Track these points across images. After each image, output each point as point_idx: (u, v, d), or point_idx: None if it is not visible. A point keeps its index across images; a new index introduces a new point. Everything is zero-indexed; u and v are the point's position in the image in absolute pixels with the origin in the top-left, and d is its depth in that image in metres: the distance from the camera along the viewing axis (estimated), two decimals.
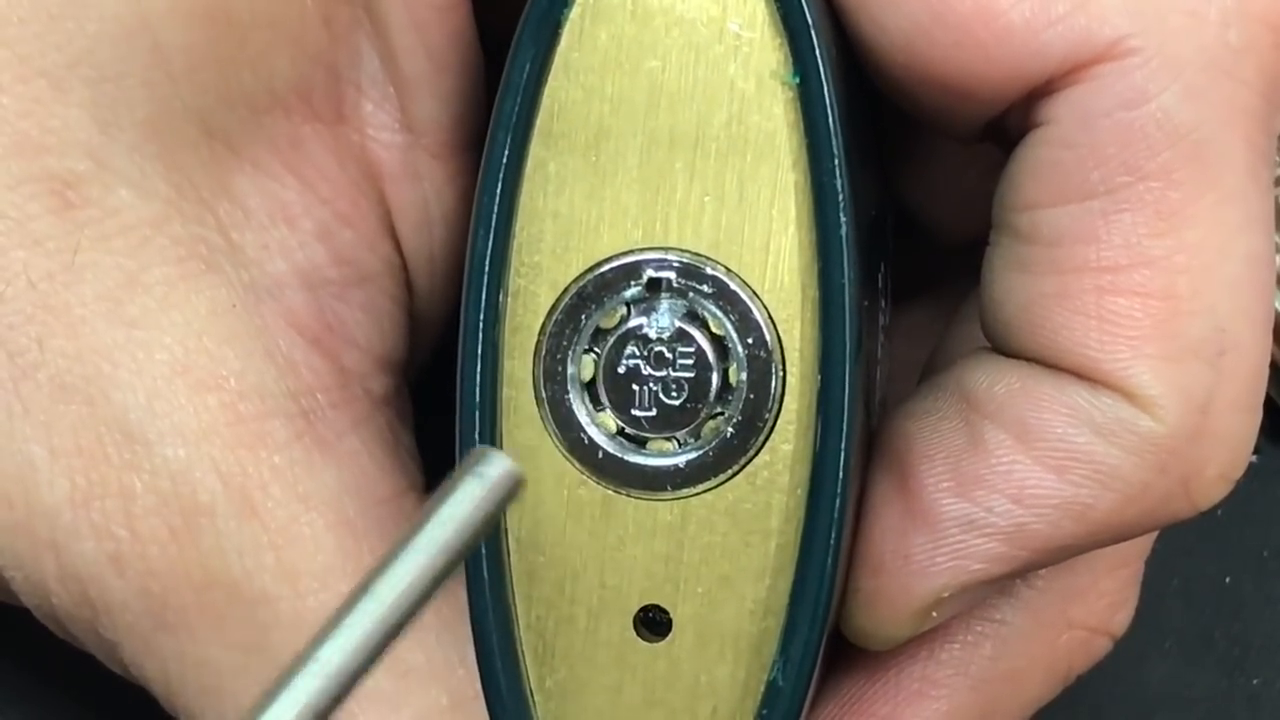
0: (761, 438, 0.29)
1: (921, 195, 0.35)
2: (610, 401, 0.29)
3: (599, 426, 0.29)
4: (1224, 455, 0.30)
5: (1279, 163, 0.35)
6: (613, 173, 0.29)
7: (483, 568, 0.30)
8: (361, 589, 0.25)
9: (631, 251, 0.29)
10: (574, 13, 0.29)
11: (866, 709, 0.32)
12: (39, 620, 0.33)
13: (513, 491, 0.26)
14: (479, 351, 0.29)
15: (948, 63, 0.29)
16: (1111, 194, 0.29)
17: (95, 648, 0.33)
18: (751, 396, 0.29)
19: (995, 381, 0.30)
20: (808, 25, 0.29)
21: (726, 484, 0.29)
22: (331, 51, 0.32)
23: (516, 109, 0.29)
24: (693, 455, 0.29)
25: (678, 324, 0.29)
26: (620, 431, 0.29)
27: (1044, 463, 0.29)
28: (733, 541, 0.29)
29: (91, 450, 0.31)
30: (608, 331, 0.29)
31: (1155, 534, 0.34)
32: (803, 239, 0.29)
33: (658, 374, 0.29)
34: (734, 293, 0.29)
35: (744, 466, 0.29)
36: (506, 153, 0.29)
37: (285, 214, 0.32)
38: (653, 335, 0.29)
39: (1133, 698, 0.41)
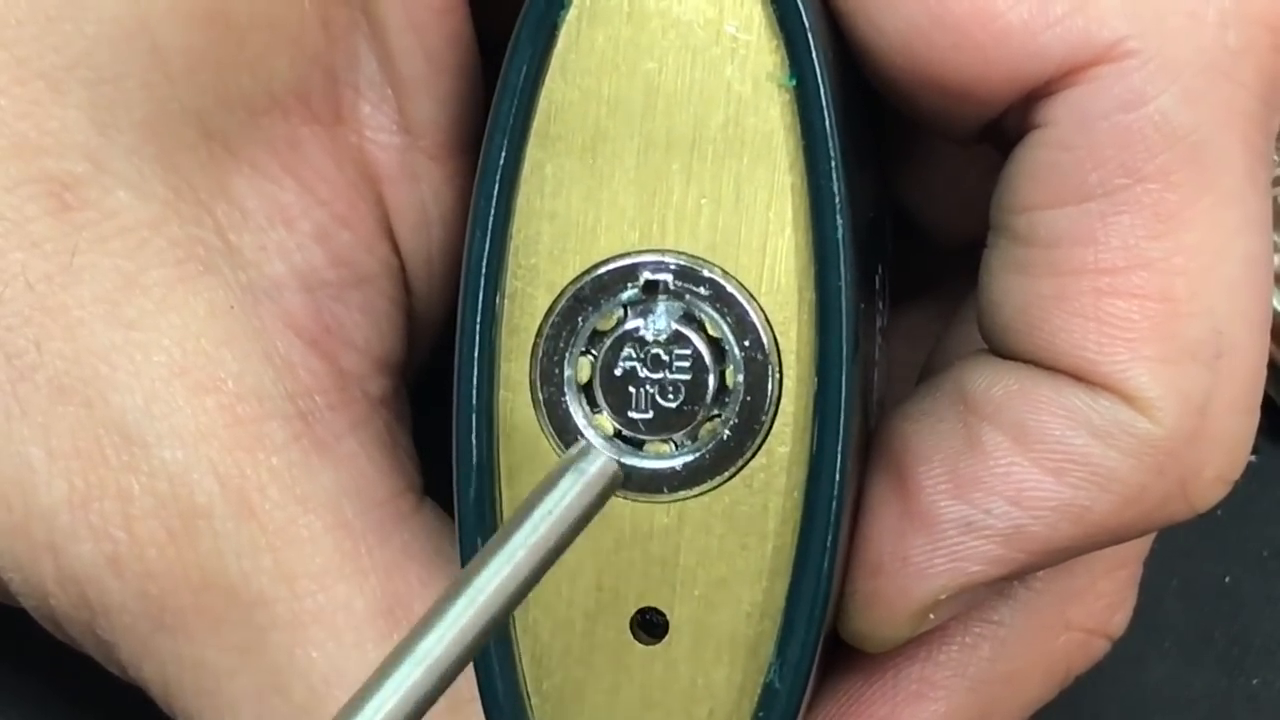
0: (758, 440, 0.29)
1: (920, 197, 0.35)
2: (607, 404, 0.29)
3: (596, 429, 0.29)
4: (1222, 457, 0.30)
5: (1277, 164, 0.35)
6: (609, 175, 0.29)
7: None
8: (461, 580, 0.25)
9: (628, 254, 0.29)
10: (571, 15, 0.29)
11: (864, 711, 0.32)
12: (38, 621, 0.33)
13: (610, 488, 0.26)
14: (476, 354, 0.29)
15: (946, 65, 0.29)
16: (1109, 196, 0.29)
17: (93, 649, 0.33)
18: (748, 399, 0.29)
19: (993, 383, 0.30)
20: (804, 27, 0.28)
21: (723, 486, 0.29)
22: (329, 53, 0.32)
23: (513, 111, 0.29)
24: (689, 458, 0.29)
25: (674, 326, 0.29)
26: (617, 434, 0.29)
27: (1042, 465, 0.29)
28: (729, 544, 0.29)
29: (89, 452, 0.31)
30: (605, 334, 0.29)
31: (1153, 535, 0.34)
32: (799, 241, 0.29)
33: (654, 376, 0.29)
34: (731, 295, 0.29)
35: (741, 469, 0.29)
36: (503, 154, 0.29)
37: (283, 215, 0.32)
38: (649, 337, 0.29)
39: (1132, 698, 0.41)
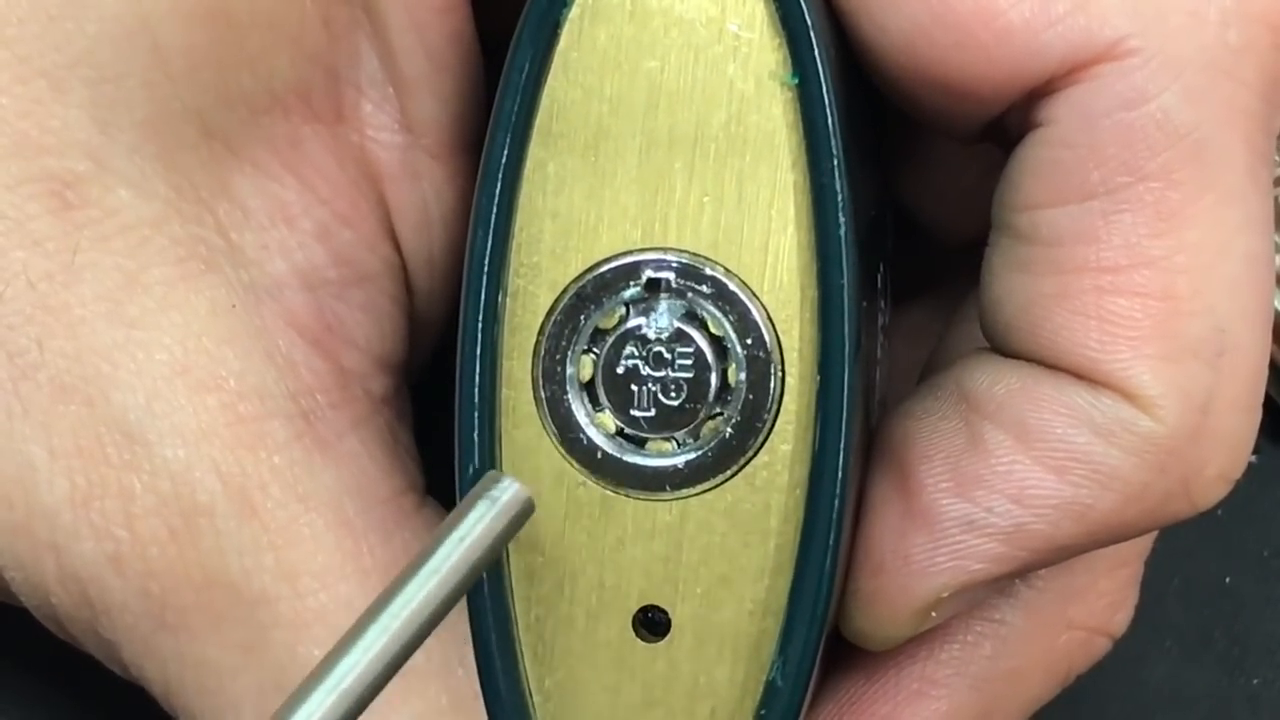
0: (760, 438, 0.29)
1: (921, 195, 0.35)
2: (609, 402, 0.29)
3: (598, 427, 0.29)
4: (1224, 455, 0.30)
5: (1279, 163, 0.35)
6: (612, 173, 0.29)
7: None
8: (375, 608, 0.25)
9: (630, 252, 0.29)
10: (573, 13, 0.29)
11: (866, 709, 0.32)
12: (39, 620, 0.33)
13: (522, 515, 0.27)
14: (478, 352, 0.29)
15: (948, 63, 0.29)
16: (1111, 194, 0.29)
17: (95, 648, 0.33)
18: (750, 397, 0.29)
19: (995, 382, 0.30)
20: (807, 26, 0.29)
21: (725, 484, 0.29)
22: (331, 52, 0.32)
23: (515, 109, 0.29)
24: (691, 455, 0.29)
25: (677, 324, 0.29)
26: (619, 432, 0.29)
27: (1044, 463, 0.29)
28: (731, 542, 0.29)
29: (91, 451, 0.31)
30: (607, 332, 0.29)
31: (1155, 534, 0.34)
32: (802, 239, 0.29)
33: (657, 374, 0.29)
34: (733, 293, 0.29)
35: (743, 467, 0.29)
36: (505, 153, 0.29)
37: (284, 214, 0.32)
38: (652, 335, 0.29)
39: (1133, 697, 0.41)
